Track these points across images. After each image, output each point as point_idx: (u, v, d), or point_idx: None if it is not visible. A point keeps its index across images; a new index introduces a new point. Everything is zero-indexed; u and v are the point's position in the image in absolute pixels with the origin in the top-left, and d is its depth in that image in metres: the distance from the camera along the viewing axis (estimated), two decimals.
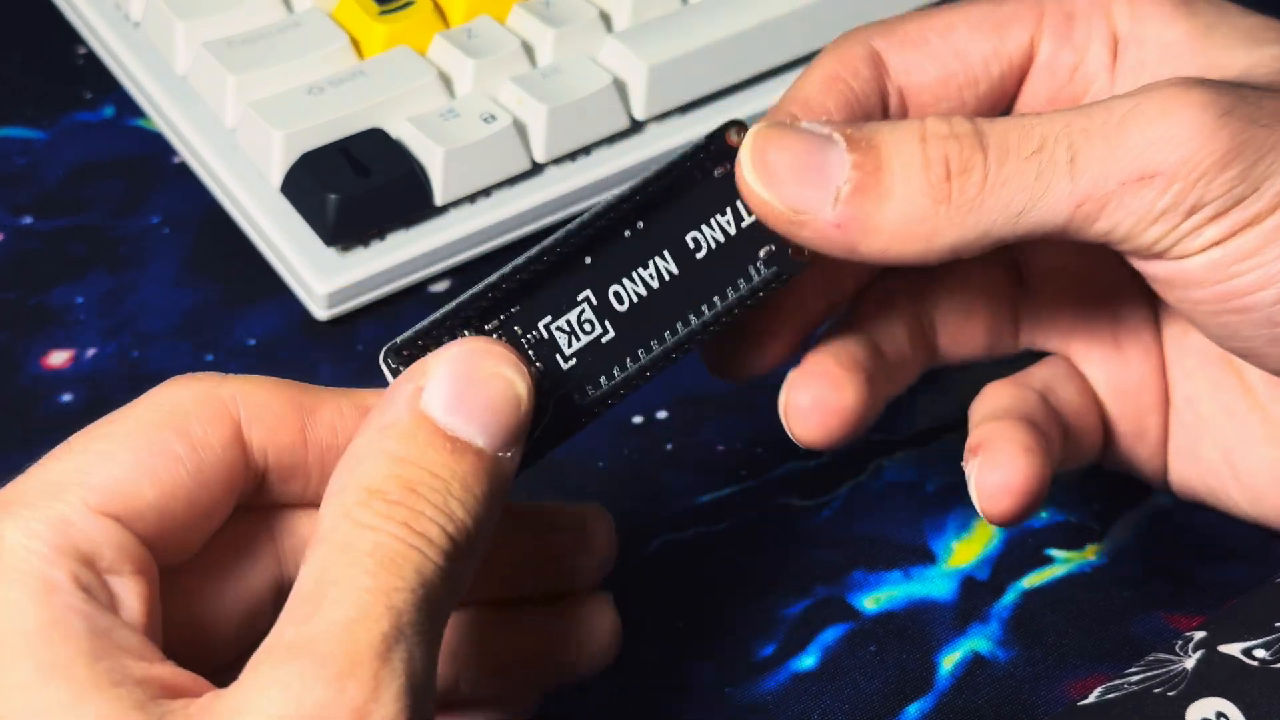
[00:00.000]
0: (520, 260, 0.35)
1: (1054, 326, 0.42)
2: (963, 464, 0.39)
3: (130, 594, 0.31)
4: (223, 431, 0.33)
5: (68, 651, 0.29)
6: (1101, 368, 0.42)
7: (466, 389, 0.32)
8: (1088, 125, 0.34)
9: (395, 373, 0.33)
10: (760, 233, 0.36)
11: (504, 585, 0.38)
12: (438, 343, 0.33)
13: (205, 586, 0.35)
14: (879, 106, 0.39)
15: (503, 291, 0.34)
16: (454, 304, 0.34)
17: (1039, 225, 0.34)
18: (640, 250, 0.36)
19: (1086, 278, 0.42)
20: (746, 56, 0.54)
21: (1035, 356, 0.43)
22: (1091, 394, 0.42)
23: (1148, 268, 0.36)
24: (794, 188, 0.34)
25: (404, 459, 0.31)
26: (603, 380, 0.35)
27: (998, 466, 0.37)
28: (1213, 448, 0.42)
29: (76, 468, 0.32)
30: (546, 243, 0.35)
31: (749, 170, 0.35)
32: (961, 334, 0.42)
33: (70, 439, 0.33)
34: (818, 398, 0.38)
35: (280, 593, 0.36)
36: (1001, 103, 0.40)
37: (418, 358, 0.33)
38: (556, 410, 0.35)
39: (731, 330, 0.37)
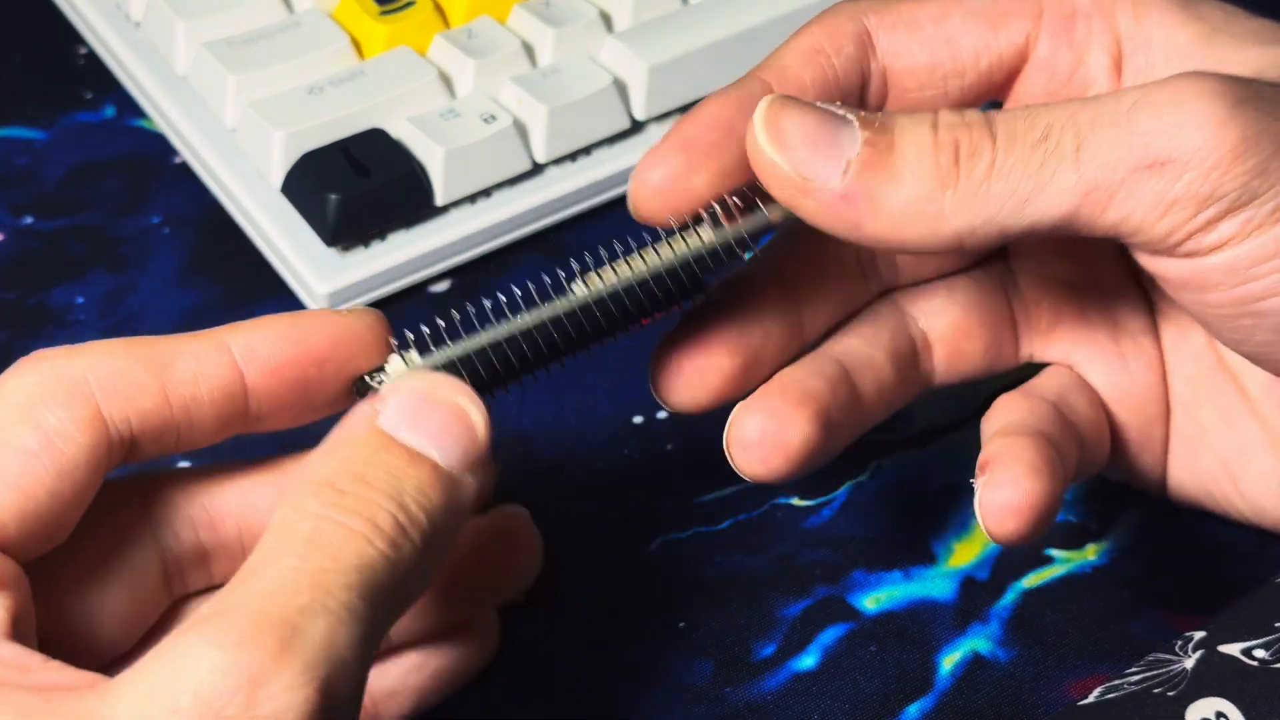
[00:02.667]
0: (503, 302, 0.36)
1: (1056, 336, 0.42)
2: (972, 480, 0.38)
3: None
4: (78, 413, 0.32)
5: None
6: (1106, 376, 0.42)
7: (423, 409, 0.32)
8: (1095, 114, 0.34)
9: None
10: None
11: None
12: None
13: (81, 570, 0.34)
14: (858, 86, 0.39)
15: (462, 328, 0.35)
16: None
17: (1045, 215, 0.34)
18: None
19: (1086, 286, 0.42)
20: (746, 56, 0.53)
21: (1033, 368, 0.43)
22: (1100, 403, 0.42)
23: (1161, 267, 0.35)
24: (805, 154, 0.34)
25: (358, 459, 0.31)
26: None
27: (1003, 486, 0.37)
28: (1212, 456, 0.42)
29: None
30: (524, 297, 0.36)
31: (761, 132, 0.34)
32: (959, 352, 0.41)
33: None
34: (763, 431, 0.37)
35: (165, 568, 0.35)
36: (985, 97, 0.40)
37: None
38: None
39: (674, 347, 0.38)
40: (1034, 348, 0.42)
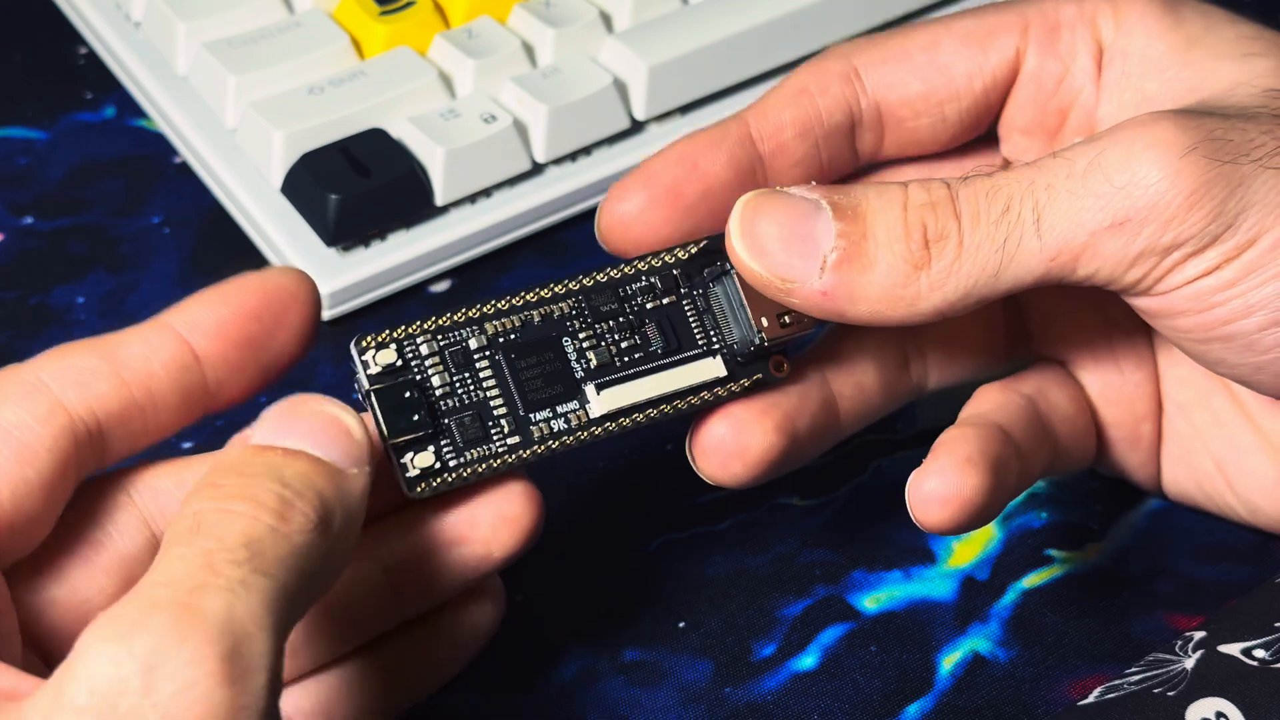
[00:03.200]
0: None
1: (1047, 336, 0.42)
2: None
3: None
4: (34, 407, 0.33)
5: None
6: (1095, 374, 0.42)
7: (291, 420, 0.33)
8: (1051, 181, 0.35)
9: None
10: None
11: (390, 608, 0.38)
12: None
13: (70, 563, 0.34)
14: (845, 125, 0.40)
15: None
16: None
17: (1018, 281, 0.35)
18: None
19: (1077, 288, 0.42)
20: (746, 56, 0.54)
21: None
22: (1084, 399, 0.42)
23: (1134, 301, 0.36)
24: (782, 257, 0.35)
25: (234, 463, 0.32)
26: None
27: (931, 475, 0.37)
28: (1206, 456, 0.42)
29: None
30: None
31: (738, 241, 0.36)
32: (953, 355, 0.42)
33: None
34: (723, 437, 0.38)
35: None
36: (986, 116, 0.41)
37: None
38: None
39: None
40: (1026, 347, 0.43)
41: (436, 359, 0.36)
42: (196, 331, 0.35)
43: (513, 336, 0.37)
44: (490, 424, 0.36)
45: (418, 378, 0.36)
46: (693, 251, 0.38)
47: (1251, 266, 0.34)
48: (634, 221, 0.38)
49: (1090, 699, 0.39)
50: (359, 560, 0.36)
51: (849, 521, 0.45)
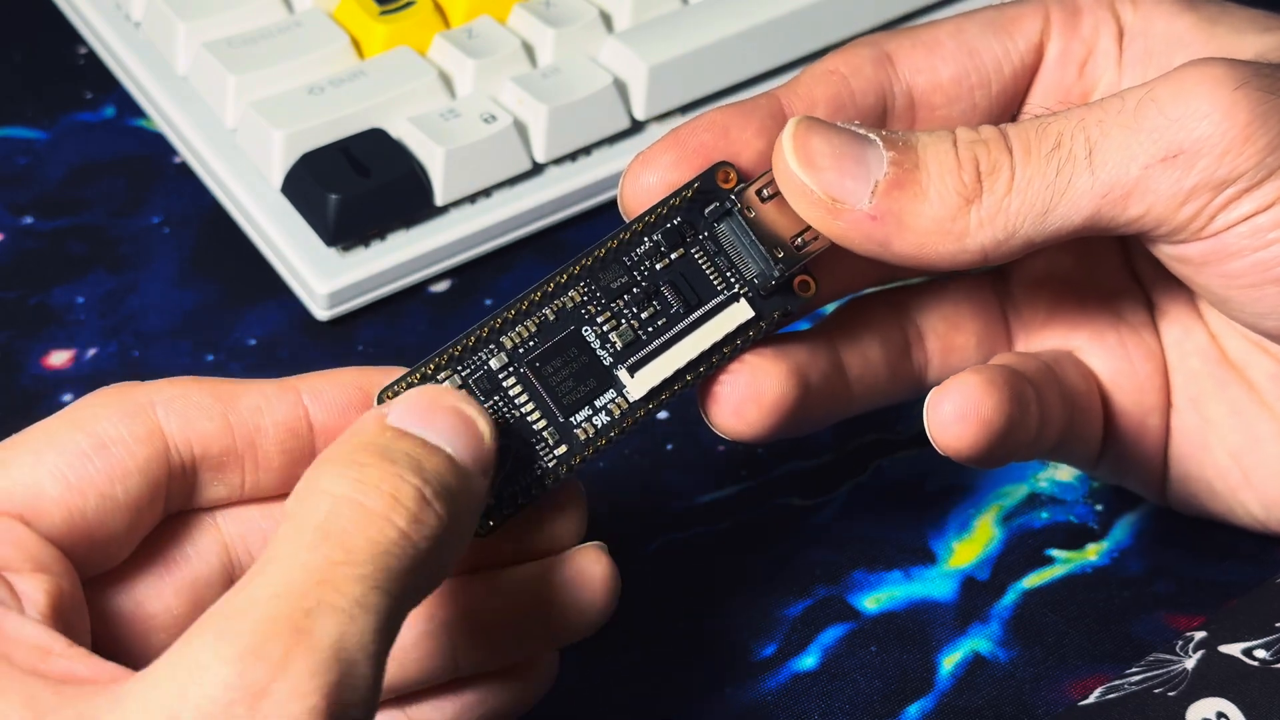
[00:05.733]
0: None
1: (1053, 329, 0.42)
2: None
3: (34, 590, 0.31)
4: (136, 428, 0.33)
5: None
6: (1106, 362, 0.42)
7: (430, 410, 0.32)
8: (1103, 116, 0.35)
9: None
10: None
11: (483, 551, 0.37)
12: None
13: (144, 580, 0.34)
14: (877, 107, 0.39)
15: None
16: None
17: (1066, 221, 0.35)
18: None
19: (1082, 282, 0.42)
20: (746, 56, 0.54)
21: None
22: (1096, 382, 0.42)
23: (1182, 251, 0.36)
24: (834, 175, 0.35)
25: (375, 443, 0.31)
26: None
27: (952, 395, 0.36)
28: (1221, 450, 0.42)
29: None
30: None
31: (790, 154, 0.35)
32: (953, 347, 0.41)
33: None
34: (736, 383, 0.37)
35: (232, 582, 0.35)
36: (1013, 103, 0.41)
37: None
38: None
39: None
40: (1028, 342, 0.42)
41: (463, 390, 0.35)
42: (320, 403, 0.35)
43: (531, 344, 0.36)
44: (534, 441, 0.35)
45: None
46: (687, 196, 0.37)
47: None
48: (661, 185, 0.37)
49: (1091, 699, 0.39)
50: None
51: (849, 521, 0.45)
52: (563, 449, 0.36)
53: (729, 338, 0.37)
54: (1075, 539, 0.45)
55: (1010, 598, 0.43)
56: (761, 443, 0.38)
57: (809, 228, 0.36)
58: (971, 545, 0.44)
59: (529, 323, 0.36)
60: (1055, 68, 0.40)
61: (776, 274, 0.36)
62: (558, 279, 0.36)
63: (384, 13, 0.53)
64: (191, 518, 0.35)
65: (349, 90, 0.50)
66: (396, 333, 0.49)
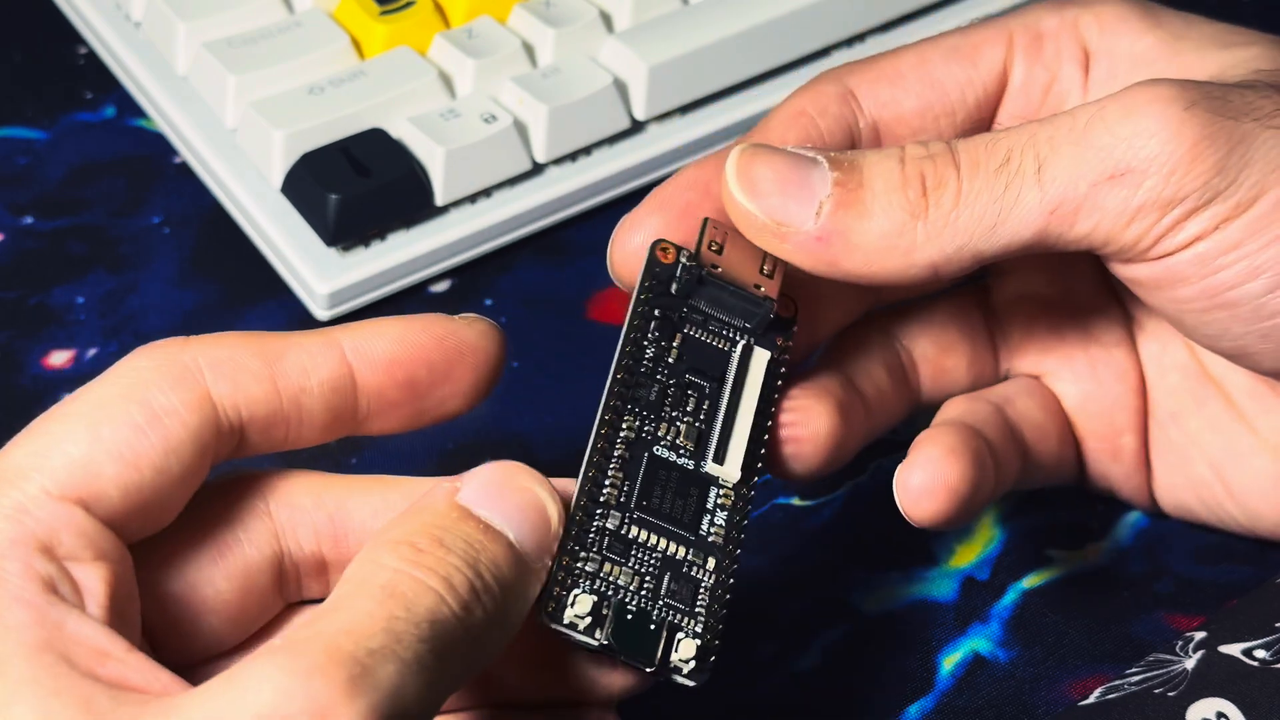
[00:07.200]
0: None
1: (1027, 350, 0.43)
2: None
3: (94, 581, 0.31)
4: (186, 395, 0.33)
5: (6, 646, 0.29)
6: (1073, 385, 0.42)
7: (501, 490, 0.33)
8: (1053, 133, 0.35)
9: None
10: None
11: (505, 687, 0.37)
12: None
13: (194, 560, 0.34)
14: (845, 144, 0.39)
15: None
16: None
17: (1015, 237, 0.35)
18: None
19: (1060, 300, 0.42)
20: (746, 56, 0.54)
21: None
22: (1056, 410, 0.42)
23: (1133, 272, 0.36)
24: (778, 199, 0.35)
25: (436, 524, 0.31)
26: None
27: (919, 468, 0.37)
28: (1203, 464, 0.42)
29: (34, 452, 0.31)
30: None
31: (733, 182, 0.35)
32: (943, 369, 0.42)
33: (31, 423, 0.32)
34: (794, 425, 0.38)
35: (281, 571, 0.35)
36: (978, 129, 0.41)
37: None
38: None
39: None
40: (1011, 362, 0.43)
41: (608, 564, 0.34)
42: (363, 359, 0.35)
43: (627, 487, 0.35)
44: (688, 569, 0.35)
45: (614, 595, 0.34)
46: (649, 287, 0.37)
47: (1255, 226, 0.34)
48: (648, 248, 0.37)
49: (1091, 699, 0.39)
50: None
51: (849, 521, 0.45)
52: (711, 562, 0.36)
53: (767, 384, 0.37)
54: (1075, 539, 0.45)
55: (1010, 598, 0.43)
56: (818, 476, 0.39)
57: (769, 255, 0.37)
58: (971, 545, 0.44)
59: (612, 471, 0.35)
60: (1020, 94, 0.40)
61: (763, 309, 0.37)
62: (605, 419, 0.36)
63: (384, 13, 0.53)
64: (245, 504, 0.35)
65: (349, 90, 0.50)
66: None
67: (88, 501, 0.31)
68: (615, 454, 0.35)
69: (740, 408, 0.37)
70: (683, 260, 0.37)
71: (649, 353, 0.37)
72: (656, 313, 0.37)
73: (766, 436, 0.37)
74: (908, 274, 0.35)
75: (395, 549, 0.31)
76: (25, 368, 0.48)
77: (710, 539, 0.36)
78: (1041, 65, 0.40)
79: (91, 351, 0.48)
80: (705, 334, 0.37)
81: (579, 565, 0.34)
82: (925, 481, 0.37)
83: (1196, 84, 0.35)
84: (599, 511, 0.35)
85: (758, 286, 0.37)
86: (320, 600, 0.36)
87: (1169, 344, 0.42)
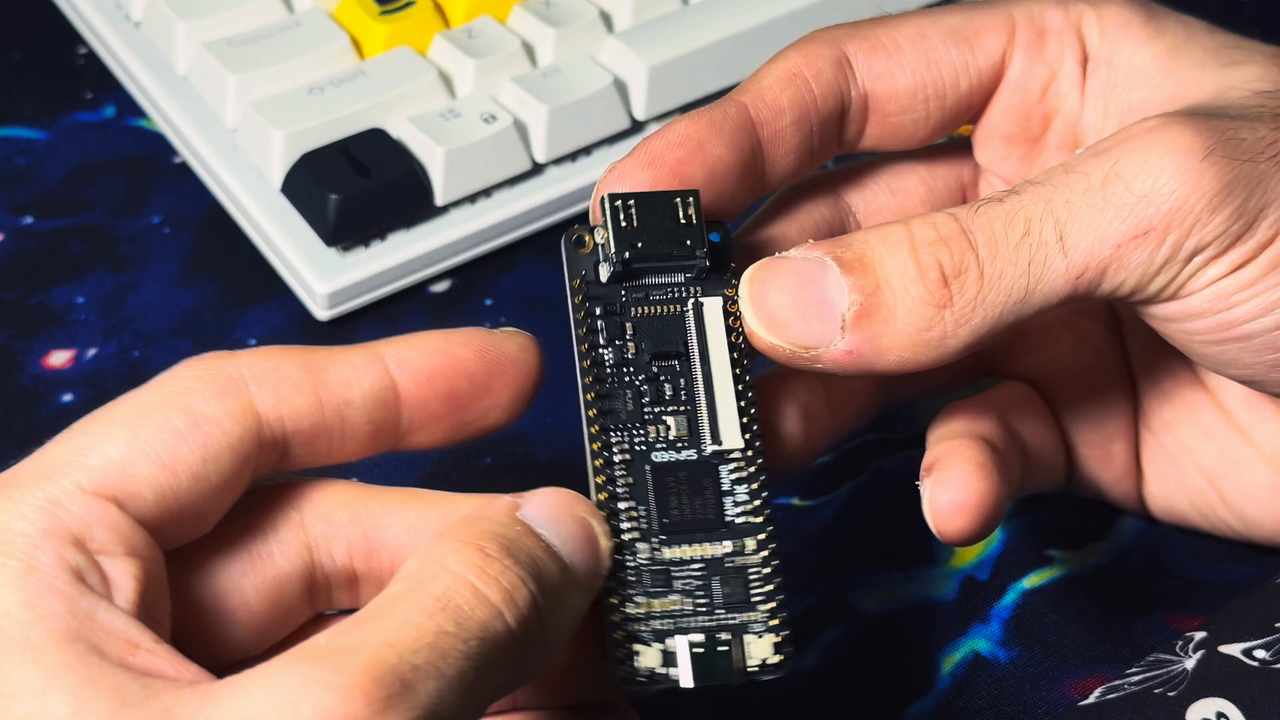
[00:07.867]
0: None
1: (1015, 353, 0.42)
2: (917, 483, 0.38)
3: (124, 575, 0.31)
4: (230, 404, 0.33)
5: (40, 634, 0.29)
6: (1064, 392, 0.42)
7: (561, 514, 0.33)
8: (1069, 196, 0.34)
9: None
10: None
11: (528, 692, 0.36)
12: None
13: (225, 568, 0.34)
14: (836, 112, 0.39)
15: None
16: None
17: (1045, 303, 0.35)
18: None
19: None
20: (746, 56, 0.54)
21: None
22: (1050, 418, 0.42)
23: (1149, 309, 0.36)
24: (799, 327, 0.35)
25: (504, 533, 0.31)
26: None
27: (950, 485, 0.37)
28: (1196, 472, 0.42)
29: (72, 450, 0.32)
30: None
31: (752, 319, 0.35)
32: (932, 376, 0.41)
33: (73, 424, 0.32)
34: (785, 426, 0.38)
35: (311, 583, 0.35)
36: (966, 116, 0.40)
37: None
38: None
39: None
40: (994, 365, 0.43)
41: (655, 600, 0.34)
42: (405, 372, 0.35)
43: (644, 509, 0.35)
44: (730, 563, 0.35)
45: (673, 627, 0.34)
46: (578, 286, 0.36)
47: (1273, 264, 0.34)
48: None
49: (1091, 699, 0.39)
50: None
51: (849, 521, 0.45)
52: (750, 543, 0.35)
53: (729, 334, 0.36)
54: (1075, 539, 0.45)
55: (1010, 598, 0.43)
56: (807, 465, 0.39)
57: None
58: (971, 545, 0.44)
59: (624, 502, 0.35)
60: (1017, 88, 0.40)
61: (697, 263, 0.36)
62: (595, 448, 0.35)
63: (384, 13, 0.53)
64: (279, 514, 0.35)
65: (349, 90, 0.50)
66: (397, 333, 0.49)
67: (122, 500, 0.31)
68: (619, 480, 0.35)
69: (715, 374, 0.36)
70: (599, 245, 0.36)
71: (607, 358, 0.36)
72: (599, 310, 0.36)
73: (753, 388, 0.36)
74: (944, 359, 0.35)
75: (462, 551, 0.31)
76: (25, 368, 0.48)
77: (740, 521, 0.35)
78: (1042, 63, 0.39)
79: (91, 351, 0.48)
80: (651, 307, 0.36)
81: (628, 611, 0.34)
82: (957, 498, 0.37)
83: (1209, 122, 0.35)
84: (625, 551, 0.34)
85: (684, 242, 0.36)
86: (350, 611, 0.36)
87: (1160, 351, 0.42)
